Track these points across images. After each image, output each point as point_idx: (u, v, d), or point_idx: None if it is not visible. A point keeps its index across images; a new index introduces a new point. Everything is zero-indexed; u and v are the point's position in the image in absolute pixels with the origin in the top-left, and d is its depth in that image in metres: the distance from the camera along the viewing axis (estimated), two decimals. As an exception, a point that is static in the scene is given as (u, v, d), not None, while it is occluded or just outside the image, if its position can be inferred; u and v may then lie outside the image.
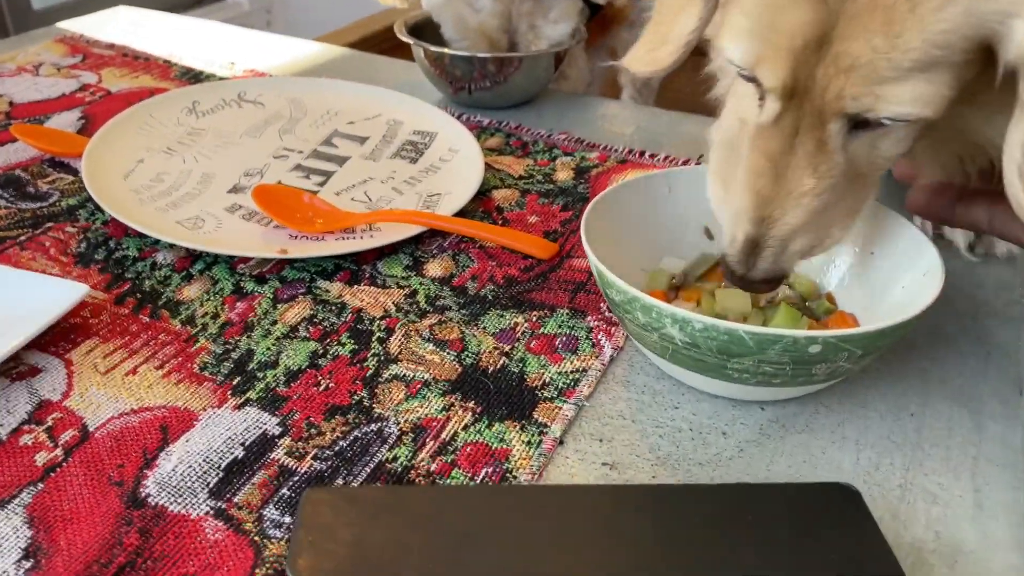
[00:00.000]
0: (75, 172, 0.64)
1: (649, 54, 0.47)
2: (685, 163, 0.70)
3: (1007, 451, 0.42)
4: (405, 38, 0.78)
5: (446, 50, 0.75)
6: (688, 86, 0.67)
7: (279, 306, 0.51)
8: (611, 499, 0.36)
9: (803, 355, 0.39)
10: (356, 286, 0.53)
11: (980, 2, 0.34)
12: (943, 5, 0.34)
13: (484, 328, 0.50)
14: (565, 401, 0.45)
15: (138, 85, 0.80)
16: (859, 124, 0.38)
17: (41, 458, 0.40)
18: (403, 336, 0.49)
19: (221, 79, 0.82)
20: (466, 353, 0.48)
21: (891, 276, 0.47)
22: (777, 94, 0.38)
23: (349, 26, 1.07)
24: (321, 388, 0.45)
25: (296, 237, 0.56)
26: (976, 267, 0.56)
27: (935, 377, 0.47)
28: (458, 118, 0.77)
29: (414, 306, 0.51)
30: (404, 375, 0.46)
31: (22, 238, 0.56)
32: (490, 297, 0.53)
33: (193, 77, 0.83)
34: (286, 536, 0.36)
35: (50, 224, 0.58)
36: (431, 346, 0.48)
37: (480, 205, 0.63)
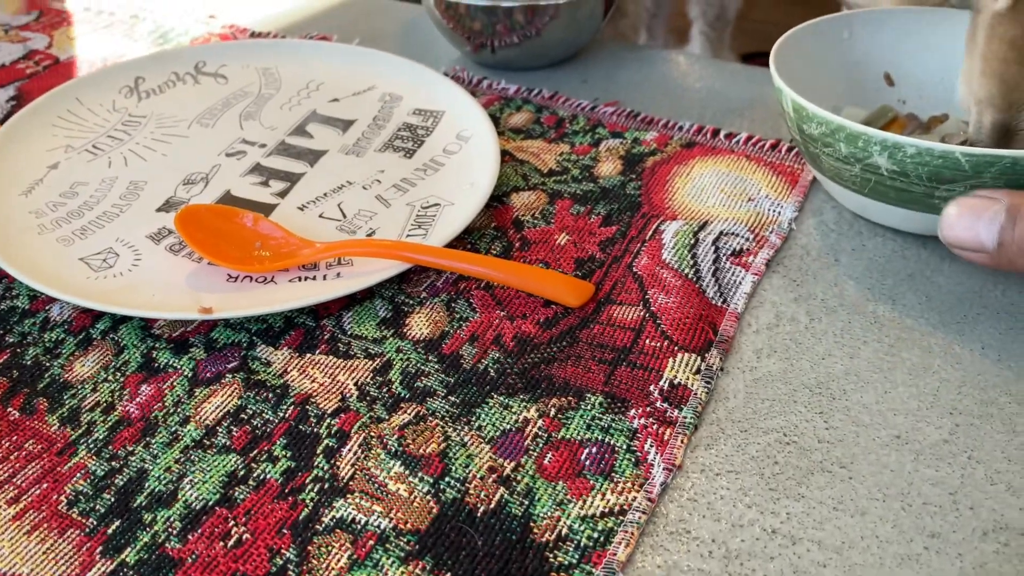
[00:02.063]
0: (-17, 178, 0.50)
1: None
2: (774, 145, 0.52)
3: None
4: (408, -18, 0.61)
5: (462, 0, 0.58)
6: (773, 15, 0.51)
7: (196, 392, 0.37)
8: None
9: (1021, 178, 0.37)
10: (309, 354, 0.38)
11: None
12: None
13: (479, 430, 0.34)
14: (590, 573, 0.29)
15: (91, 52, 0.66)
16: None
17: None
18: (360, 447, 0.34)
19: (194, 38, 0.67)
20: (448, 479, 0.32)
21: None
22: None
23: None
24: (231, 543, 0.31)
25: (235, 279, 0.41)
26: None
27: None
28: (477, 84, 0.60)
29: (384, 391, 0.36)
30: (353, 521, 0.31)
31: None
32: (492, 373, 0.37)
33: (161, 36, 0.68)
34: None
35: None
36: (398, 467, 0.33)
37: (493, 219, 0.46)
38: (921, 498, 0.31)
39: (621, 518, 0.31)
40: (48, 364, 0.38)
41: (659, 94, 0.59)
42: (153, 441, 0.34)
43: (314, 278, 0.41)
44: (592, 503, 0.31)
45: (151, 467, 0.33)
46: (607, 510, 0.31)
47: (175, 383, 0.37)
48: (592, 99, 0.58)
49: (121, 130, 0.52)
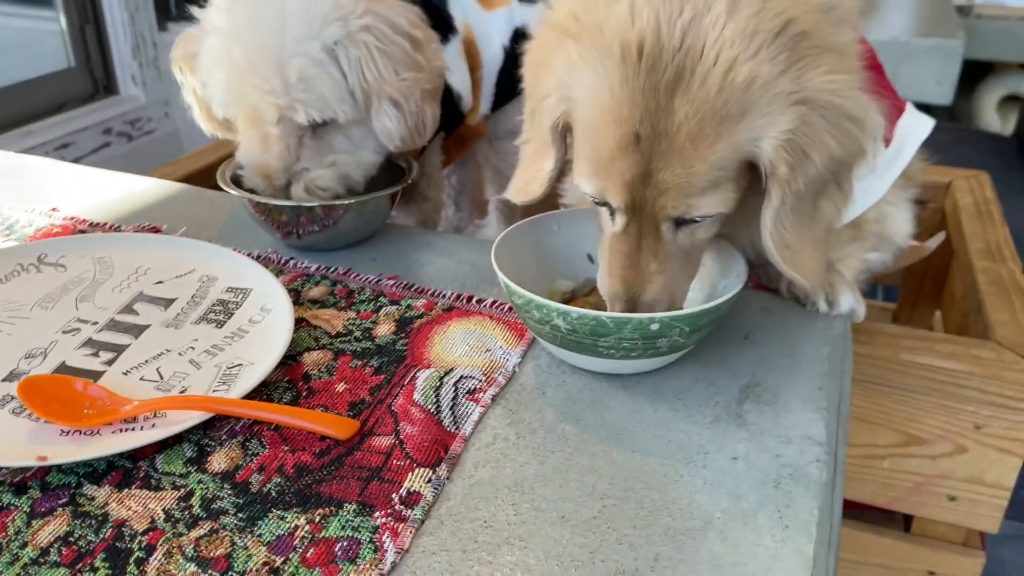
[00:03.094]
0: None
1: (524, 188, 0.63)
2: (511, 308, 0.68)
3: None
4: (227, 188, 0.75)
5: (269, 200, 0.73)
6: (545, 198, 0.67)
7: (34, 522, 0.46)
8: None
9: (647, 331, 0.54)
10: (126, 489, 0.49)
11: (738, 135, 0.50)
12: (714, 143, 0.50)
13: (259, 537, 0.46)
14: (331, 628, 0.41)
15: (-60, 243, 0.76)
16: (680, 222, 0.55)
17: None
18: (163, 556, 0.44)
19: (38, 230, 0.78)
20: (231, 573, 0.44)
21: (717, 282, 0.64)
22: (623, 211, 0.54)
23: (195, 152, 1.04)
24: (56, 634, 0.40)
25: (67, 433, 0.52)
26: (782, 418, 0.55)
27: (726, 562, 0.45)
28: (285, 264, 0.74)
29: (186, 512, 0.47)
30: (154, 609, 0.42)
31: None
32: (274, 494, 0.49)
33: (8, 228, 0.79)
34: None
35: None
36: (192, 567, 0.44)
37: (286, 374, 0.59)
38: (570, 557, 0.45)
39: (359, 589, 0.43)
40: (-98, 511, 0.47)
41: (431, 268, 0.74)
42: (-5, 563, 0.44)
43: (133, 429, 0.52)
44: (339, 581, 0.43)
45: (-8, 583, 0.43)
46: (349, 585, 0.43)
47: (16, 516, 0.46)
48: (378, 273, 0.73)
49: (-30, 314, 0.62)
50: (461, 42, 0.95)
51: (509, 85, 1.05)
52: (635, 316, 0.53)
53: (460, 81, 0.95)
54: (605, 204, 0.55)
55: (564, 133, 0.58)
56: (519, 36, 1.04)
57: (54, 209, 0.83)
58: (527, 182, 0.62)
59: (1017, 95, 2.32)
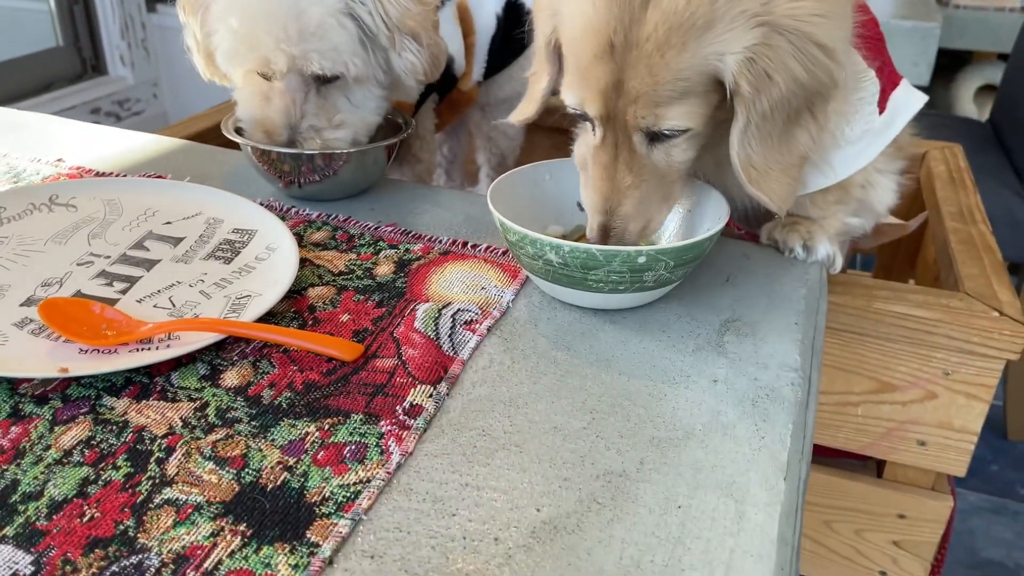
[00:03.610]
0: None
1: (524, 107, 0.68)
2: (504, 252, 0.71)
3: (764, 542, 0.43)
4: (230, 135, 0.78)
5: (272, 147, 0.76)
6: (548, 158, 0.71)
7: (56, 429, 0.49)
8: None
9: (634, 264, 0.57)
10: (144, 401, 0.52)
11: (702, 47, 0.53)
12: (680, 52, 0.53)
13: (272, 441, 0.49)
14: (342, 516, 0.44)
15: (-49, 188, 0.78)
16: (653, 138, 0.58)
17: None
18: (183, 455, 0.47)
19: (45, 178, 0.80)
20: (246, 470, 0.47)
21: (699, 222, 0.67)
22: (599, 121, 0.58)
23: (197, 115, 1.07)
24: (85, 519, 0.43)
25: (86, 352, 0.54)
26: (760, 348, 0.59)
27: (707, 465, 0.48)
28: (287, 211, 0.77)
29: (202, 421, 0.50)
30: (176, 499, 0.45)
31: None
32: (284, 406, 0.52)
33: (15, 176, 0.81)
34: None
35: None
36: (211, 464, 0.47)
37: (292, 305, 0.62)
38: (561, 460, 0.48)
39: (367, 484, 0.46)
40: (-68, 417, 0.49)
41: (427, 217, 0.77)
42: (23, 462, 0.47)
43: (148, 348, 0.55)
44: (348, 478, 0.46)
45: (22, 477, 0.45)
46: (358, 480, 0.46)
47: (39, 424, 0.49)
48: (376, 221, 0.76)
49: (-13, 247, 0.65)
50: (455, 7, 0.98)
51: (501, 53, 1.08)
52: (623, 249, 0.57)
53: (454, 45, 0.98)
54: (584, 116, 0.59)
55: (559, 51, 0.61)
56: (511, 6, 1.08)
57: (60, 160, 0.85)
58: (526, 103, 0.68)
59: (993, 84, 2.37)
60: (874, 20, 0.69)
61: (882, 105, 0.70)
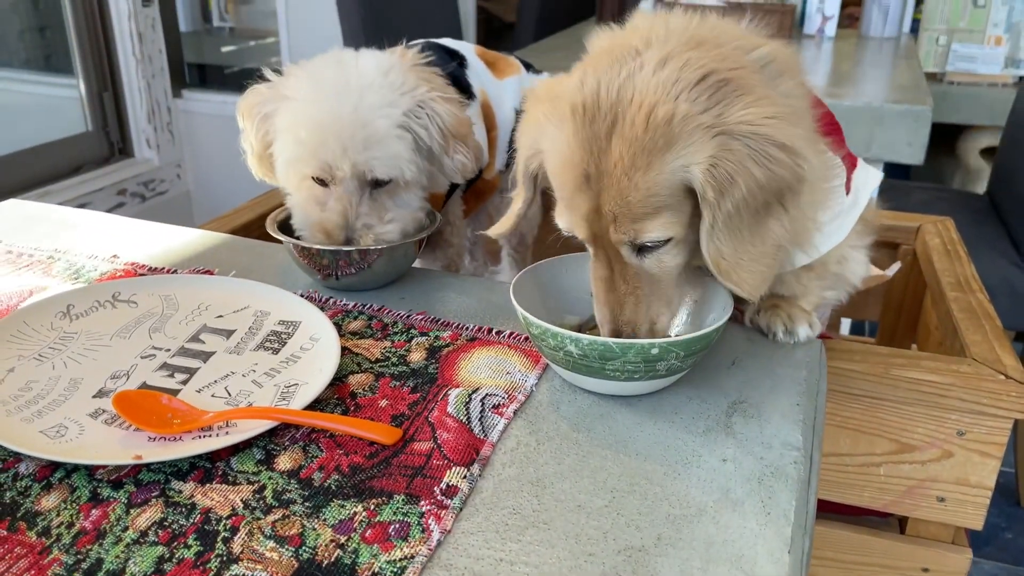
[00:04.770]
0: (-53, 381, 0.67)
1: (502, 224, 0.75)
2: (527, 338, 0.77)
3: (771, 610, 0.48)
4: (275, 234, 0.85)
5: (313, 244, 0.83)
6: (555, 243, 0.77)
7: (132, 511, 0.55)
8: None
9: (648, 355, 0.63)
10: (208, 484, 0.57)
11: (667, 163, 0.59)
12: (646, 173, 0.59)
13: (324, 520, 0.54)
14: (391, 589, 0.49)
15: (18, 285, 0.85)
16: (640, 250, 0.64)
17: None
18: (246, 535, 0.53)
19: (103, 274, 0.88)
20: (304, 548, 0.52)
21: (707, 311, 0.73)
22: (589, 242, 0.65)
23: (239, 208, 1.15)
24: (163, 593, 0.48)
25: (155, 439, 0.60)
26: (765, 428, 0.64)
27: (718, 540, 0.53)
28: (326, 302, 0.84)
29: (261, 502, 0.56)
30: (243, 575, 0.50)
31: None
32: (334, 487, 0.57)
33: (75, 273, 0.88)
34: None
35: (-84, 438, 0.61)
36: (272, 543, 0.52)
37: (335, 392, 0.68)
38: (586, 536, 0.54)
39: (411, 560, 0.51)
40: (21, 502, 0.55)
41: (454, 305, 0.84)
42: (104, 542, 0.52)
43: (209, 436, 0.61)
44: (394, 554, 0.52)
45: (105, 556, 0.51)
46: (403, 557, 0.52)
47: (116, 507, 0.55)
48: (408, 310, 0.82)
49: (59, 343, 0.71)
50: (479, 106, 1.07)
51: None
52: (638, 341, 0.63)
53: (479, 139, 1.06)
54: (574, 237, 0.66)
55: (536, 179, 0.69)
56: (527, 101, 1.17)
57: (115, 256, 0.92)
58: (504, 220, 0.75)
59: (994, 146, 2.45)
60: (829, 112, 0.76)
61: (847, 186, 0.76)
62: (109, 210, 3.00)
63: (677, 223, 0.62)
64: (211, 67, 3.38)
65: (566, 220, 0.65)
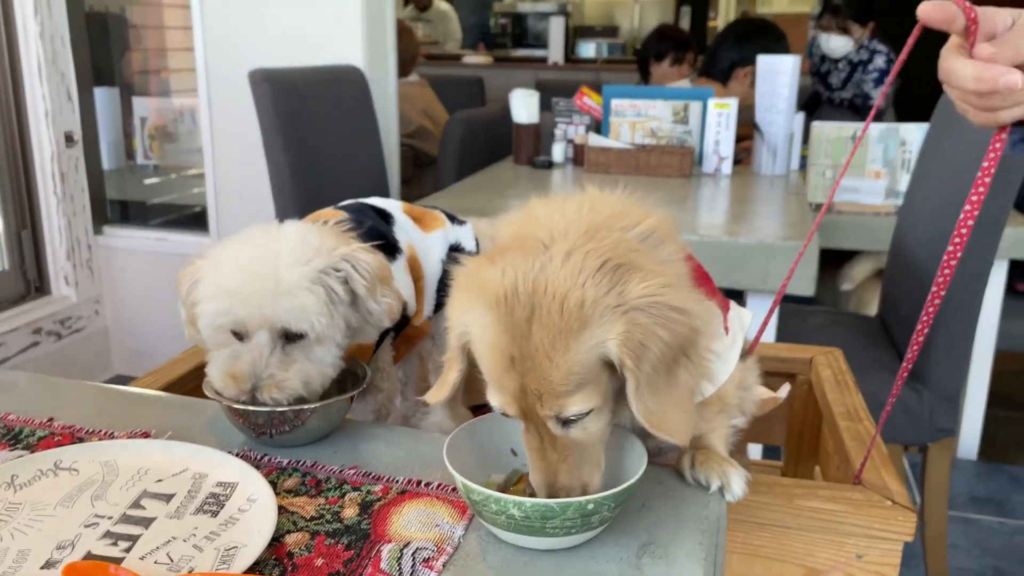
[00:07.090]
0: None
1: (436, 392, 0.81)
2: (455, 489, 0.83)
3: None
4: (210, 394, 0.90)
5: (248, 407, 0.88)
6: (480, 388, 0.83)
7: None
8: None
9: (585, 510, 0.69)
10: (154, 654, 0.60)
11: (583, 343, 0.67)
12: (564, 353, 0.67)
13: None
14: None
15: (-45, 454, 0.87)
16: (565, 422, 0.70)
17: None
18: None
19: (40, 437, 0.90)
20: None
21: (621, 460, 0.79)
22: (519, 417, 0.71)
23: (173, 360, 1.19)
24: None
25: (100, 611, 0.63)
26: (671, 568, 0.71)
27: None
28: (261, 459, 0.88)
29: (205, 669, 0.59)
30: None
31: None
32: (275, 650, 0.61)
33: (12, 437, 0.90)
34: None
35: None
36: None
37: (273, 552, 0.72)
38: None
39: None
40: None
41: (384, 458, 0.89)
42: None
43: (154, 604, 0.64)
44: None
45: None
46: None
47: None
48: (340, 464, 0.87)
49: (5, 514, 0.74)
50: (406, 259, 1.15)
51: (446, 291, 1.25)
52: (575, 500, 0.69)
53: (406, 291, 1.14)
54: (506, 414, 0.72)
55: (467, 352, 0.75)
56: (453, 250, 1.26)
57: (50, 419, 0.95)
58: (439, 388, 0.81)
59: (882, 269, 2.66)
60: (699, 266, 0.87)
61: (725, 326, 0.87)
62: (24, 350, 2.95)
63: (596, 395, 0.69)
64: (134, 203, 3.42)
65: (496, 400, 0.72)
